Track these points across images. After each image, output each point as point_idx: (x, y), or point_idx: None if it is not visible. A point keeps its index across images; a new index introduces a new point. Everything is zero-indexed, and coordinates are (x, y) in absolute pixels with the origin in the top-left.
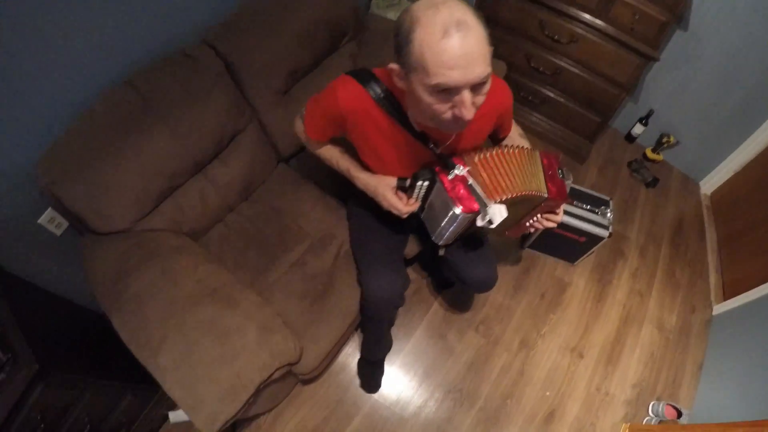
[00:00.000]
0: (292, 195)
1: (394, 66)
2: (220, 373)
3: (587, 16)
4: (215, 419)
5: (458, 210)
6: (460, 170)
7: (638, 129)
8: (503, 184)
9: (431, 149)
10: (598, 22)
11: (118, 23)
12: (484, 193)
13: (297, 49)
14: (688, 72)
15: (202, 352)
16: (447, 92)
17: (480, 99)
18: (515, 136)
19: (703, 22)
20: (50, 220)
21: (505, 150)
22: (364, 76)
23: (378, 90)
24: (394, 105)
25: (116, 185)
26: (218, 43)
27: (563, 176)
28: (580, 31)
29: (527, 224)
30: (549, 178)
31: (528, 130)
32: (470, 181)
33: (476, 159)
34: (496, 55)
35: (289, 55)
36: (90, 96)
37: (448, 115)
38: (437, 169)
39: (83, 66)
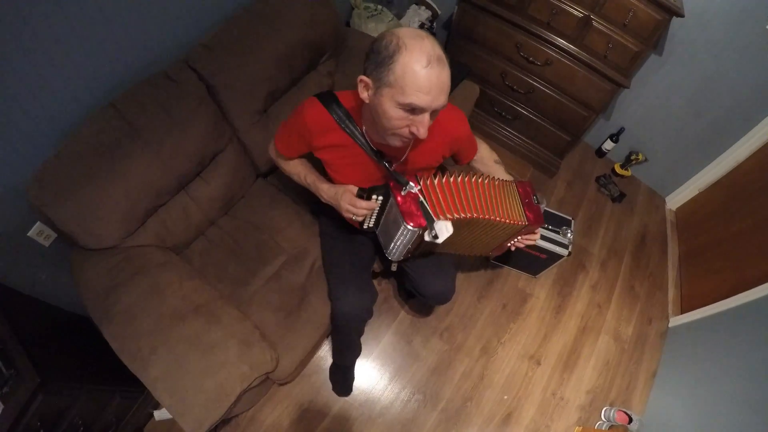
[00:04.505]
0: (270, 211)
1: (364, 78)
2: (205, 383)
3: (562, 42)
4: (201, 424)
5: (408, 225)
6: (412, 188)
7: (608, 145)
8: (459, 206)
9: (385, 166)
10: (573, 48)
11: (102, 46)
12: (434, 210)
13: (276, 71)
14: (660, 94)
15: (189, 365)
16: (412, 111)
17: (430, 122)
18: (490, 163)
19: (677, 49)
20: (39, 233)
21: (473, 179)
22: (327, 100)
23: (339, 112)
24: (353, 125)
25: (104, 206)
26: (200, 65)
27: (538, 202)
28: (554, 54)
29: (508, 244)
30: (527, 207)
31: (501, 144)
32: (421, 198)
33: (436, 182)
34: (472, 73)
35: (269, 77)
36: (76, 117)
37: (405, 130)
38: (391, 184)
39: (68, 88)
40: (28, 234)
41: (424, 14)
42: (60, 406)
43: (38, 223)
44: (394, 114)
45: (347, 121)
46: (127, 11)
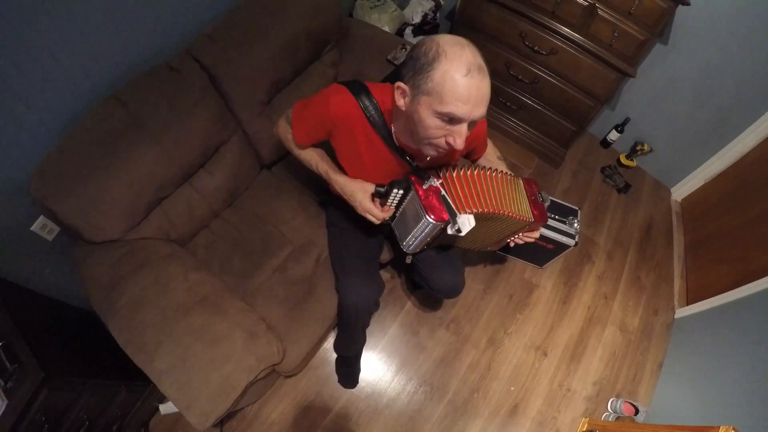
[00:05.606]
0: (275, 202)
1: (402, 85)
2: (212, 375)
3: (567, 30)
4: (208, 417)
5: (430, 218)
6: (434, 182)
7: (613, 135)
8: (478, 200)
9: (408, 162)
10: (578, 36)
11: (103, 38)
12: (455, 204)
13: (279, 61)
14: (666, 84)
15: (195, 357)
16: (450, 121)
17: (468, 132)
18: (493, 159)
19: (683, 38)
20: (42, 227)
21: (488, 172)
22: (356, 88)
23: (367, 103)
24: (380, 118)
25: (107, 199)
26: (202, 56)
27: (542, 200)
28: (559, 43)
29: (508, 240)
30: (532, 204)
31: (506, 134)
32: (443, 192)
33: (454, 174)
34: None
35: (272, 67)
36: (78, 109)
37: (441, 140)
38: (413, 178)
39: (71, 81)
40: (31, 228)
41: (427, 4)
42: (64, 401)
43: (41, 217)
44: (431, 123)
45: (375, 114)
46: (129, 2)
